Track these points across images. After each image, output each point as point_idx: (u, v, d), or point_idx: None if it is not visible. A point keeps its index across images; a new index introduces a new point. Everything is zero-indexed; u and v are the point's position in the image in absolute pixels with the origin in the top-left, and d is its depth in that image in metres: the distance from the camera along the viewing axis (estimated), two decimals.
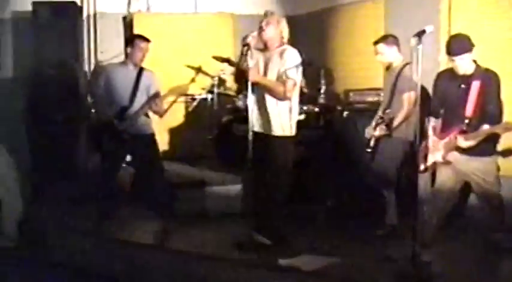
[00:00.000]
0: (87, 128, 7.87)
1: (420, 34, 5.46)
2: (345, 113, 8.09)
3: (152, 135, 7.41)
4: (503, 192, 6.02)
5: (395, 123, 6.73)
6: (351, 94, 8.33)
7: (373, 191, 7.06)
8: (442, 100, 6.06)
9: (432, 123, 6.12)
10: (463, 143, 5.71)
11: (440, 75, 6.19)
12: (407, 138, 6.65)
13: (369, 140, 6.94)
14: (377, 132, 6.84)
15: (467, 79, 5.80)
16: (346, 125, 7.93)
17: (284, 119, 6.36)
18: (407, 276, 5.40)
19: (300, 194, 7.38)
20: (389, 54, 6.91)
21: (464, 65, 5.77)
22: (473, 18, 6.85)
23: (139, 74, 7.22)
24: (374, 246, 6.49)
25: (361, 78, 9.02)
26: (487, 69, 5.83)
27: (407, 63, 6.75)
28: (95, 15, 10.25)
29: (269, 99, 6.30)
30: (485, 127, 5.65)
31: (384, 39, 7.01)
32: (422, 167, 6.02)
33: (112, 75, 7.22)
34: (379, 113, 6.92)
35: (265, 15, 6.39)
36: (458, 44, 5.76)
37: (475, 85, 5.73)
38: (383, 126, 6.78)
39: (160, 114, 7.30)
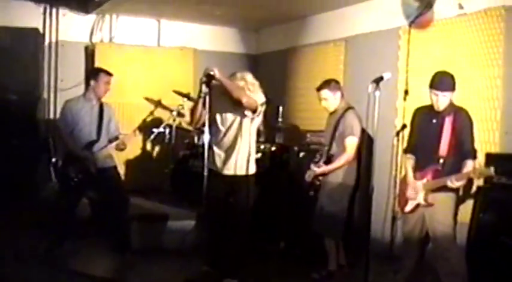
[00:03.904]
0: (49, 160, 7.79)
1: (378, 80, 5.53)
2: (301, 154, 8.13)
3: (115, 167, 7.46)
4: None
5: (338, 164, 6.83)
6: (308, 135, 8.38)
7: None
8: (418, 137, 6.16)
9: (411, 161, 6.16)
10: (456, 183, 5.70)
11: (417, 111, 6.27)
12: (350, 182, 6.78)
13: (310, 184, 7.03)
14: (320, 169, 6.91)
15: (440, 114, 5.90)
16: (301, 166, 7.96)
17: (253, 157, 6.51)
18: None
19: (254, 234, 7.42)
20: (334, 100, 7.01)
21: (444, 102, 5.86)
22: (432, 67, 6.96)
23: (101, 108, 7.28)
24: None
25: (320, 119, 9.10)
26: (460, 107, 5.94)
27: (349, 107, 6.88)
28: (56, 43, 10.20)
29: (241, 141, 6.40)
30: (469, 165, 5.68)
31: (327, 84, 7.08)
32: (408, 208, 6.07)
33: (77, 110, 7.22)
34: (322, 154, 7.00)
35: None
36: (446, 81, 5.87)
37: (448, 121, 5.84)
38: (322, 164, 6.89)
39: (123, 149, 7.34)
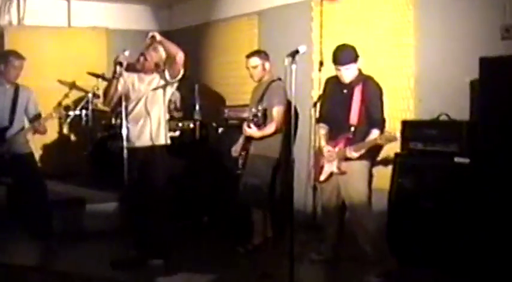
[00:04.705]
0: None
1: (293, 54, 5.54)
2: (220, 129, 8.13)
3: (31, 153, 7.24)
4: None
5: (267, 131, 6.83)
6: (226, 110, 8.38)
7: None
8: (329, 106, 6.24)
9: (323, 131, 6.25)
10: (353, 154, 5.84)
11: (328, 81, 6.35)
12: (274, 155, 6.82)
13: (237, 159, 7.05)
14: (250, 130, 6.88)
15: (350, 85, 5.98)
16: (220, 141, 7.98)
17: (165, 128, 6.43)
18: None
19: (177, 210, 7.39)
20: (262, 69, 7.02)
21: (349, 74, 5.94)
22: (345, 38, 7.05)
23: (16, 91, 7.01)
24: (251, 262, 6.60)
25: (236, 93, 9.12)
26: (368, 76, 6.03)
27: (277, 79, 6.90)
28: None
29: (153, 111, 6.33)
30: (373, 134, 5.81)
31: (258, 53, 7.13)
32: (322, 177, 6.15)
33: None
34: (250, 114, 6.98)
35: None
36: (345, 55, 5.93)
37: (357, 90, 5.91)
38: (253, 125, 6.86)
39: (42, 133, 7.14)
